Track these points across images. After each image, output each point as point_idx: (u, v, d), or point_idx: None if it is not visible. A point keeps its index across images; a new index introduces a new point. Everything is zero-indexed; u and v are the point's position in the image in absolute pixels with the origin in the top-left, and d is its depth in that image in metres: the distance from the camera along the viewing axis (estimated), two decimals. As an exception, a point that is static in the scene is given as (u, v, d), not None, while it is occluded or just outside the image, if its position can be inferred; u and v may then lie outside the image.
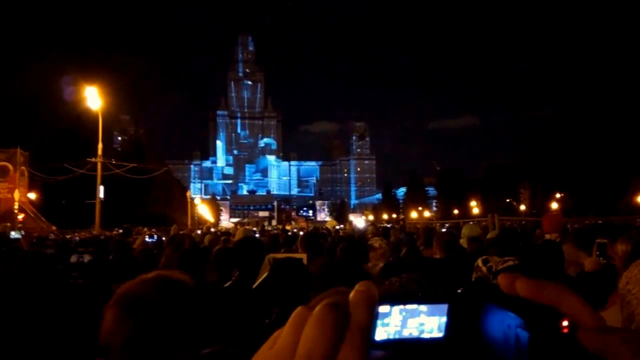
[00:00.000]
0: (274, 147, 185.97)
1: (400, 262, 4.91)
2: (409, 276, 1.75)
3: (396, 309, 0.39)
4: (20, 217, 29.19)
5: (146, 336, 1.37)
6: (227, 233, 12.19)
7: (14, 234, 10.79)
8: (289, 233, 13.30)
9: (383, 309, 0.39)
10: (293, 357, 0.33)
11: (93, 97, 24.07)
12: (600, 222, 10.85)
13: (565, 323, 0.36)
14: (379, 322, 0.38)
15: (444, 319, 0.40)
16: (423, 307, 0.40)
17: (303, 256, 3.22)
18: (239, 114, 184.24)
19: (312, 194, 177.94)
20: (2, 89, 50.21)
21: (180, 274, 1.66)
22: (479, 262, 4.25)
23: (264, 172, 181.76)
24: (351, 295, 0.35)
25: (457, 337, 0.40)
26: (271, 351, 0.35)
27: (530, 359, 0.36)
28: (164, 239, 9.15)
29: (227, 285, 3.54)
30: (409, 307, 0.40)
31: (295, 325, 0.34)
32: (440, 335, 0.40)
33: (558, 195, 52.65)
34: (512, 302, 0.38)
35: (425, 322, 0.40)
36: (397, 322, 0.39)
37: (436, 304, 0.40)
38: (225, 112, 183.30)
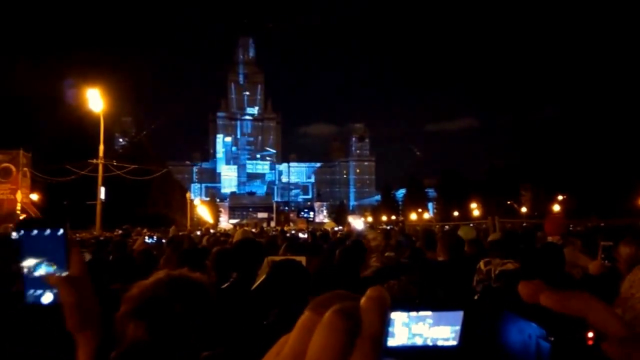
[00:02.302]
0: (274, 149, 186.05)
1: (397, 264, 4.89)
2: (408, 278, 1.73)
3: (409, 315, 0.38)
4: (22, 218, 29.20)
5: (160, 337, 1.36)
6: (226, 234, 12.19)
7: (15, 235, 10.77)
8: (288, 235, 13.29)
9: (396, 315, 0.37)
10: None
11: (95, 100, 24.10)
12: (602, 224, 10.82)
13: (590, 334, 0.34)
14: (391, 328, 0.37)
15: (458, 327, 0.39)
16: (437, 314, 0.39)
17: (302, 258, 3.20)
18: (238, 116, 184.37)
19: (311, 196, 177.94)
20: (4, 90, 50.16)
21: (194, 273, 1.63)
22: (481, 264, 4.23)
23: (264, 173, 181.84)
24: (362, 301, 0.34)
25: (473, 346, 0.39)
26: (277, 358, 0.34)
27: None
28: (163, 240, 9.14)
29: (225, 286, 3.52)
30: (423, 314, 0.38)
31: (304, 332, 0.33)
32: (455, 343, 0.39)
33: (560, 197, 52.52)
34: (533, 311, 0.36)
35: (439, 329, 0.39)
36: (409, 329, 0.38)
37: (451, 311, 0.39)
38: (225, 114, 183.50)
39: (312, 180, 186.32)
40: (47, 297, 0.97)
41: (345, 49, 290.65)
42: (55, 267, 0.96)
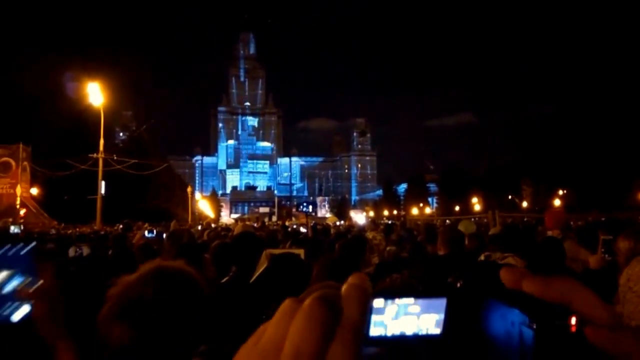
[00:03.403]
0: (275, 143, 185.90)
1: (397, 259, 4.87)
2: (410, 272, 1.71)
3: (391, 303, 0.37)
4: (22, 212, 29.22)
5: (145, 338, 1.30)
6: (227, 229, 12.16)
7: (13, 229, 10.72)
8: (289, 229, 13.25)
9: (377, 303, 0.37)
10: (279, 354, 0.30)
11: (95, 93, 24.03)
12: (603, 219, 10.78)
13: (573, 320, 0.34)
14: (373, 317, 0.36)
15: (441, 315, 0.38)
16: (420, 302, 0.38)
17: (301, 251, 3.19)
18: (239, 110, 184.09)
19: (313, 190, 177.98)
20: (5, 85, 50.08)
21: (180, 264, 1.57)
22: (481, 258, 4.23)
23: (265, 168, 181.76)
24: (343, 288, 0.33)
25: (456, 334, 0.38)
26: (256, 347, 0.32)
27: (535, 358, 0.33)
28: (164, 235, 9.10)
29: (224, 280, 3.51)
30: (405, 301, 0.38)
31: (283, 320, 0.32)
32: (438, 331, 0.38)
33: (561, 192, 52.47)
34: (516, 298, 0.36)
35: (422, 317, 0.38)
36: (392, 317, 0.37)
37: (434, 298, 0.38)
38: (226, 109, 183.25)
39: (314, 175, 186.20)
40: (19, 313, 0.97)
41: (345, 44, 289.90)
42: (27, 280, 0.97)
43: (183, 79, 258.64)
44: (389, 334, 0.37)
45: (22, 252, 0.97)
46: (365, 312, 0.33)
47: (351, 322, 0.31)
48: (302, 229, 14.54)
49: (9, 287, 0.95)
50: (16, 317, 0.96)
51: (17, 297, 0.95)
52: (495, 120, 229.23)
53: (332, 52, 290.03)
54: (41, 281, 0.97)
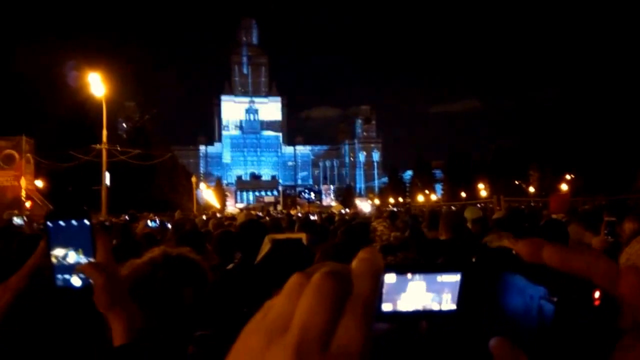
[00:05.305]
0: (279, 132, 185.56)
1: (401, 243, 4.86)
2: (405, 254, 1.69)
3: (404, 278, 0.36)
4: (28, 204, 29.34)
5: (150, 320, 1.30)
6: (231, 218, 12.19)
7: (16, 220, 10.75)
8: (293, 218, 13.27)
9: (389, 278, 0.36)
10: (287, 328, 0.29)
11: (97, 84, 24.01)
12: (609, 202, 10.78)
13: (597, 294, 0.32)
14: (384, 292, 0.36)
15: (456, 290, 0.37)
16: (434, 277, 0.37)
17: (302, 236, 3.18)
18: (242, 99, 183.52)
19: (318, 178, 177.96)
20: (6, 75, 50.00)
21: (186, 250, 1.59)
22: (487, 239, 4.21)
23: (269, 157, 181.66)
24: (354, 263, 0.32)
25: (472, 310, 0.37)
26: (263, 321, 0.31)
27: (556, 333, 0.32)
28: (169, 225, 9.13)
29: (229, 267, 3.52)
30: (419, 276, 0.37)
31: (291, 294, 0.31)
32: (453, 307, 0.37)
33: (568, 177, 52.27)
34: (535, 271, 0.34)
35: (436, 293, 0.37)
36: (405, 292, 0.36)
37: (448, 273, 0.37)
38: (229, 96, 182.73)
39: (319, 163, 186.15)
40: (76, 281, 1.01)
41: (349, 31, 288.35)
42: (82, 255, 1.00)
43: (185, 67, 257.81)
44: (401, 309, 0.36)
45: (81, 229, 1.00)
46: (377, 286, 0.32)
47: (362, 296, 0.30)
48: (312, 217, 14.61)
49: (66, 260, 1.00)
50: (76, 282, 1.00)
51: (72, 268, 1.00)
52: (501, 106, 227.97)
53: (335, 39, 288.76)
54: (94, 258, 1.01)
